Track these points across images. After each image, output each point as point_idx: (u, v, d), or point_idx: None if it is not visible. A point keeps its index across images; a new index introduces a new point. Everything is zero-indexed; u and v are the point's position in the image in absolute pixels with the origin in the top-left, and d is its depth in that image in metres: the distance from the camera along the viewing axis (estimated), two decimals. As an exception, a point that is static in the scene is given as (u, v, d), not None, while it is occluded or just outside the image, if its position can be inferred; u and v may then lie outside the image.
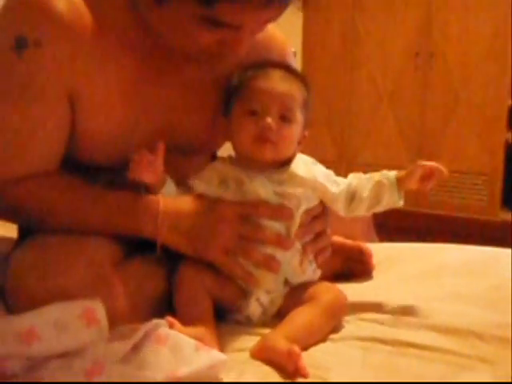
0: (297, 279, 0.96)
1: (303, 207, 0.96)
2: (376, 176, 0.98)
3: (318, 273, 1.00)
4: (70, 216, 0.93)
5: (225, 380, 0.77)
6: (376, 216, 1.15)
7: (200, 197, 0.95)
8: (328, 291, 0.94)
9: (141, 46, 0.95)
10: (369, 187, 0.97)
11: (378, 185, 0.97)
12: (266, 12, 0.84)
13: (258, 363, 0.82)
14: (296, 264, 0.96)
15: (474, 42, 3.03)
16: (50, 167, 0.96)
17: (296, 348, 0.80)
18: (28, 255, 0.88)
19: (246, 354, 0.84)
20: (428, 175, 0.99)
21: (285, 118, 0.94)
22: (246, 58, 0.97)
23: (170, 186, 0.95)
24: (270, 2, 0.82)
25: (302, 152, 1.01)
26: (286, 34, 3.48)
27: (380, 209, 0.99)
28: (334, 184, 0.98)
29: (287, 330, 0.86)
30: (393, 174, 0.99)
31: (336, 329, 0.92)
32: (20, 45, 0.88)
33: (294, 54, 3.33)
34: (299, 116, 0.96)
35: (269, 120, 0.92)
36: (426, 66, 3.16)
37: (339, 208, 0.98)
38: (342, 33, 3.35)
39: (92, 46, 0.91)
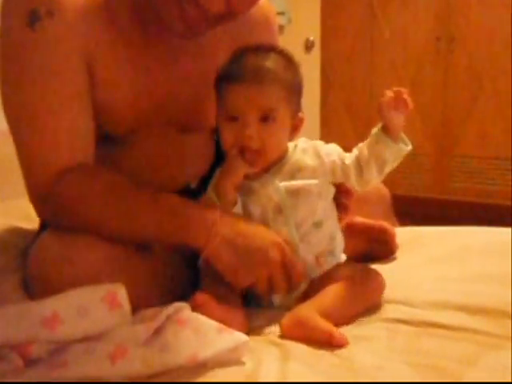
0: (316, 273, 0.94)
1: (322, 196, 0.94)
2: (367, 140, 0.94)
3: (343, 256, 0.99)
4: (118, 215, 0.88)
5: (246, 362, 0.76)
6: (399, 203, 1.13)
7: (255, 223, 0.90)
8: (363, 272, 0.93)
9: (147, 20, 0.96)
10: (366, 152, 0.93)
11: (370, 144, 0.93)
12: None
13: (279, 342, 0.82)
14: (312, 261, 0.95)
15: (495, 25, 2.97)
16: (86, 145, 0.94)
17: (336, 332, 0.80)
18: (47, 243, 0.89)
19: (268, 337, 0.84)
20: (396, 104, 0.90)
21: (267, 119, 0.90)
22: (232, 23, 0.95)
23: (238, 208, 0.93)
24: None
25: (325, 139, 0.99)
26: (304, 21, 3.46)
27: (391, 164, 0.93)
28: (343, 158, 0.95)
29: (319, 304, 0.86)
30: (376, 127, 0.93)
31: (375, 309, 0.91)
32: (33, 19, 0.88)
33: (313, 42, 3.32)
34: (283, 110, 0.91)
35: (248, 131, 0.89)
36: (448, 50, 3.11)
37: (353, 182, 0.95)
38: (361, 19, 3.31)
39: (103, 17, 0.92)
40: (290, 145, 0.96)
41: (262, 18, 1.09)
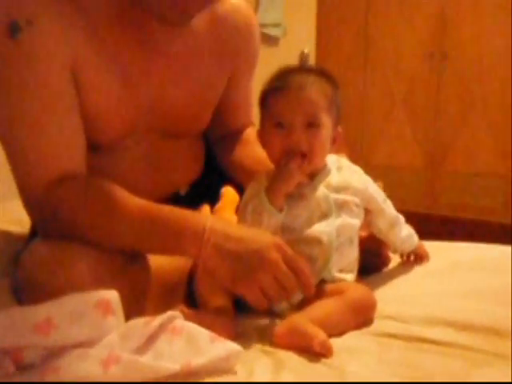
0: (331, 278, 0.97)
1: (360, 216, 1.01)
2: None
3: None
4: (109, 228, 0.89)
5: (238, 371, 0.77)
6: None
7: (249, 227, 0.92)
8: (356, 289, 0.94)
9: (128, 22, 0.96)
10: (407, 229, 1.11)
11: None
12: None
13: (272, 351, 0.82)
14: (334, 270, 0.97)
15: (488, 42, 3.02)
16: (79, 153, 0.95)
17: (322, 337, 0.81)
18: (39, 249, 0.89)
19: (261, 346, 0.85)
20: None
21: (312, 125, 0.95)
22: (214, 28, 1.04)
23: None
24: None
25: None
26: (299, 35, 3.48)
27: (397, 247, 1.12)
28: (385, 201, 1.05)
29: (312, 314, 0.86)
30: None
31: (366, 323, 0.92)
32: (14, 30, 0.88)
33: (307, 55, 3.34)
34: (326, 118, 0.97)
35: (295, 135, 0.94)
36: (441, 66, 3.15)
37: (380, 225, 1.06)
38: (356, 34, 3.34)
39: (83, 22, 0.92)
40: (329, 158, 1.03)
41: (243, 23, 1.13)
